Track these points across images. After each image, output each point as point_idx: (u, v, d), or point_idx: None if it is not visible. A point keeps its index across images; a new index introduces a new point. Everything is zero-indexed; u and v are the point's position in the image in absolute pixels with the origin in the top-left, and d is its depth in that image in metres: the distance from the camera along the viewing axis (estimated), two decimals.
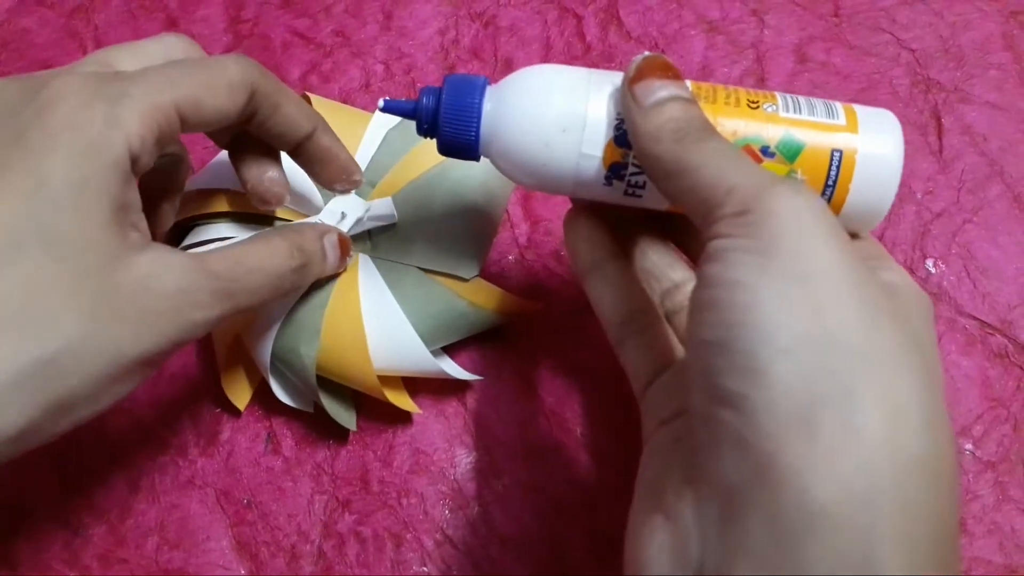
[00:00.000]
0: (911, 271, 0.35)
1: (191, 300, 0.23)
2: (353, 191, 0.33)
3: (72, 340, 0.21)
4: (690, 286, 0.27)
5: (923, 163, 0.37)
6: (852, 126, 0.23)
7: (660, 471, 0.22)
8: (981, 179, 0.36)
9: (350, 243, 0.31)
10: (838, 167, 0.23)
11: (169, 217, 0.30)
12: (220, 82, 0.24)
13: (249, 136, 0.28)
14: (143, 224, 0.23)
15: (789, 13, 0.40)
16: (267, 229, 0.29)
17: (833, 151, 0.23)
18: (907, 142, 0.37)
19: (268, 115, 0.27)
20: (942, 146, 0.37)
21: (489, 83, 0.25)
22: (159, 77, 0.23)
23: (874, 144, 0.23)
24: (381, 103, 0.26)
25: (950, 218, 0.36)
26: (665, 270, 0.28)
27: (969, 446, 0.32)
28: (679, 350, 0.26)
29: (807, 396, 0.16)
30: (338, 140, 0.29)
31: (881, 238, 0.35)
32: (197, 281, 0.23)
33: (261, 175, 0.29)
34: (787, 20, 0.40)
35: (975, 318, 0.34)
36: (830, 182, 0.23)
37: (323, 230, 0.30)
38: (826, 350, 0.17)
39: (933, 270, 0.35)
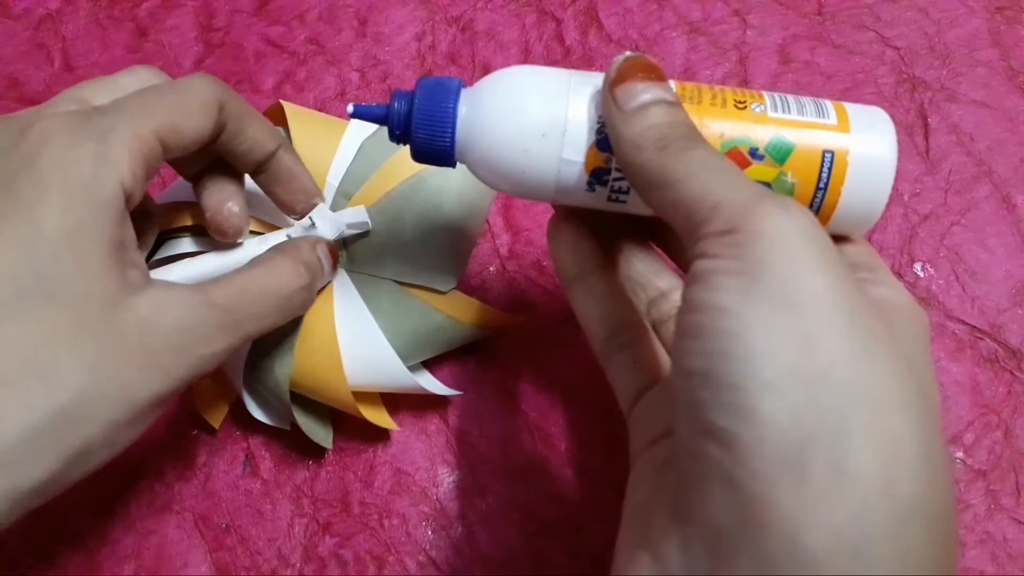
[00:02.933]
0: (899, 276, 0.34)
1: (197, 336, 0.23)
2: (327, 204, 0.33)
3: (83, 389, 0.20)
4: (677, 294, 0.27)
5: (910, 164, 0.36)
6: (843, 125, 0.23)
7: (647, 498, 0.21)
8: (969, 180, 0.35)
9: (337, 251, 0.31)
10: (830, 169, 0.22)
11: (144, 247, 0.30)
12: (192, 103, 0.24)
13: (213, 166, 0.28)
14: (141, 260, 0.23)
15: (772, 12, 0.40)
16: (264, 251, 0.28)
17: (824, 152, 0.22)
18: None
19: (234, 132, 0.26)
20: (929, 146, 0.36)
21: (465, 86, 0.24)
22: (136, 108, 0.23)
23: (867, 144, 0.22)
24: (350, 108, 0.25)
25: (938, 220, 0.35)
26: (651, 278, 0.27)
27: (960, 454, 0.31)
28: (667, 364, 0.25)
29: (797, 435, 0.15)
30: (300, 161, 0.29)
31: (868, 242, 0.35)
32: (201, 315, 0.23)
33: (221, 205, 0.28)
34: (770, 20, 0.39)
35: (964, 323, 0.33)
36: (821, 184, 0.22)
37: (314, 241, 0.29)
38: (816, 385, 0.16)
39: (921, 274, 0.34)
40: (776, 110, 0.23)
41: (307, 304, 0.28)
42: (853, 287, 0.17)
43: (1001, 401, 0.32)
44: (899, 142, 0.36)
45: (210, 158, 0.28)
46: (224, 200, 0.28)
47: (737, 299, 0.17)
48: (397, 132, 0.25)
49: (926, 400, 0.17)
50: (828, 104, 0.23)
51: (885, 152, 0.22)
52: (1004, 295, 0.33)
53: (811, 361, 0.16)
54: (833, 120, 0.23)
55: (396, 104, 0.24)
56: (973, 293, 0.34)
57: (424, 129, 0.24)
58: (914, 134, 0.36)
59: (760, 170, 0.22)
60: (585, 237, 0.26)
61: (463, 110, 0.24)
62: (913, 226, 0.35)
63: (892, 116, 0.36)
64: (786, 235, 0.17)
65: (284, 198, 0.29)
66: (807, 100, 0.23)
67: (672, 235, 0.28)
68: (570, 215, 0.27)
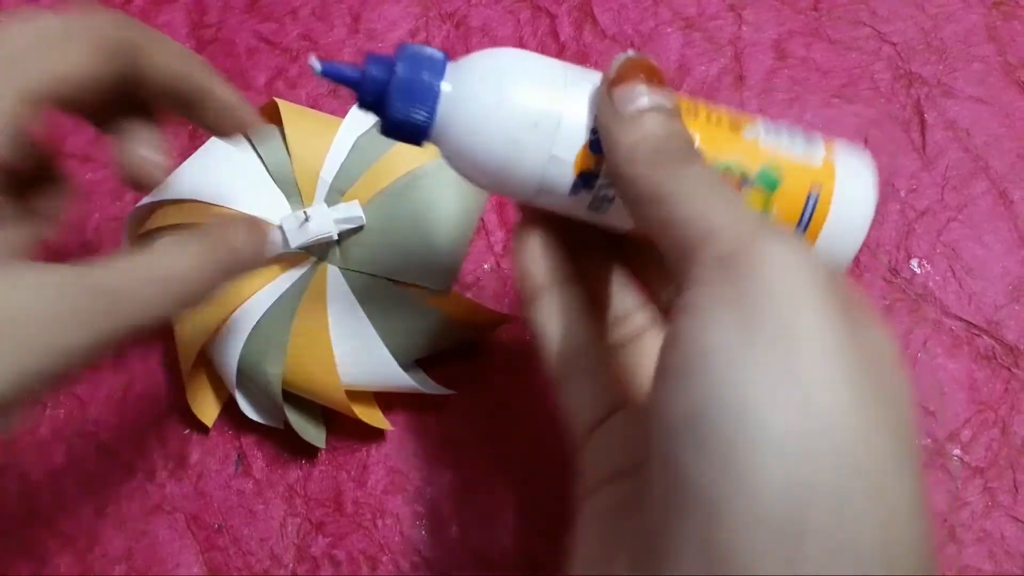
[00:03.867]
0: (896, 272, 0.34)
1: (65, 322, 0.19)
2: (320, 199, 0.32)
3: None
4: (640, 316, 0.25)
5: (906, 160, 0.36)
6: (830, 165, 0.22)
7: (601, 553, 0.19)
8: (965, 175, 0.35)
9: (266, 227, 0.27)
10: (813, 207, 0.22)
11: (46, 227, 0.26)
12: (81, 53, 0.21)
13: (125, 112, 0.25)
14: (10, 237, 0.21)
15: (767, 8, 0.39)
16: (180, 233, 0.26)
17: (812, 189, 0.22)
18: (890, 139, 0.36)
19: (147, 73, 0.23)
20: (925, 142, 0.36)
21: (450, 60, 0.22)
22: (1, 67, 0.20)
23: (850, 187, 0.22)
24: (317, 64, 0.21)
25: (934, 216, 0.35)
26: (614, 297, 0.25)
27: (957, 451, 0.31)
28: (629, 392, 0.23)
29: (793, 504, 0.14)
30: (220, 82, 0.26)
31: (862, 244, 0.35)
32: (70, 300, 0.19)
33: (132, 152, 0.25)
34: (765, 15, 0.39)
35: (961, 319, 0.33)
36: (803, 222, 0.22)
37: (238, 218, 0.26)
38: (816, 447, 0.14)
39: (918, 270, 0.34)
40: (768, 139, 0.22)
41: (213, 292, 0.24)
42: (854, 330, 0.15)
43: (998, 398, 0.32)
44: (896, 138, 0.36)
45: (119, 108, 0.25)
46: (135, 148, 0.25)
47: (732, 337, 0.15)
48: (368, 100, 0.22)
49: (916, 453, 0.15)
50: (818, 139, 0.23)
51: (866, 197, 0.22)
52: (1001, 291, 0.33)
53: (811, 418, 0.14)
54: (821, 158, 0.22)
55: (371, 69, 0.21)
56: (970, 289, 0.33)
57: (402, 100, 0.21)
58: (910, 130, 0.36)
59: (750, 197, 0.22)
60: (556, 248, 0.24)
61: (447, 87, 0.21)
62: (910, 222, 0.35)
63: (888, 112, 0.36)
64: (789, 271, 0.15)
65: (209, 123, 0.26)
66: (798, 132, 0.23)
67: (640, 252, 0.26)
68: (540, 221, 0.24)
